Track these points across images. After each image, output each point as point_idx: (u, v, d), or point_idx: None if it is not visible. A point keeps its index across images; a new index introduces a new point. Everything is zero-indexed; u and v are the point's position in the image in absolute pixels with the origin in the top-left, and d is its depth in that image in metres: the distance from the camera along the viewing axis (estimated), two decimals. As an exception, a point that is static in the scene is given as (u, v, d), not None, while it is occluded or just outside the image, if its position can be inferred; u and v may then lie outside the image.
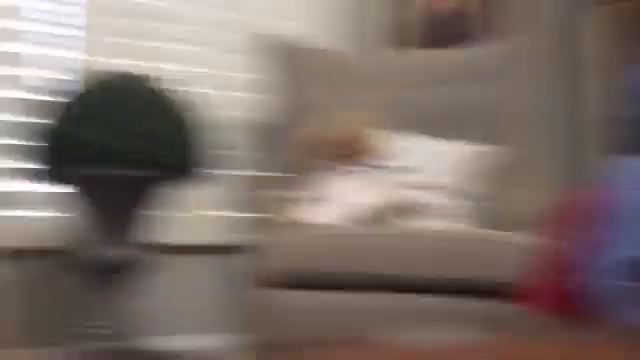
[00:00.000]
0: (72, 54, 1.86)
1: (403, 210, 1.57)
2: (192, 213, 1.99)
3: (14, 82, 1.80)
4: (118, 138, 1.38)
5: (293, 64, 1.94)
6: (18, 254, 1.74)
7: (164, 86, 1.53)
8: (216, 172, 1.93)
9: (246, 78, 2.08)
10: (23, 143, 1.48)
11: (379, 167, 1.68)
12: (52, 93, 1.49)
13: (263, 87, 1.98)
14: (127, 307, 1.53)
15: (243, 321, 1.44)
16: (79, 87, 1.48)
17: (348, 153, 1.66)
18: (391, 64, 2.01)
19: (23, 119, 1.71)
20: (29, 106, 1.57)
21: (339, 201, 1.61)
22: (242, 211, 1.71)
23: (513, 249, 1.31)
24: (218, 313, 2.00)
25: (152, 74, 1.56)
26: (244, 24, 2.11)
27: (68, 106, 1.42)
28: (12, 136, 1.72)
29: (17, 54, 1.81)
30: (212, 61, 2.06)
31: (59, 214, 1.81)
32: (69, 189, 1.51)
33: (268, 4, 2.15)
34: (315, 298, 1.44)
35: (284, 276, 1.45)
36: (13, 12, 1.81)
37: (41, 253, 1.80)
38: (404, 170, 1.67)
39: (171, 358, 1.80)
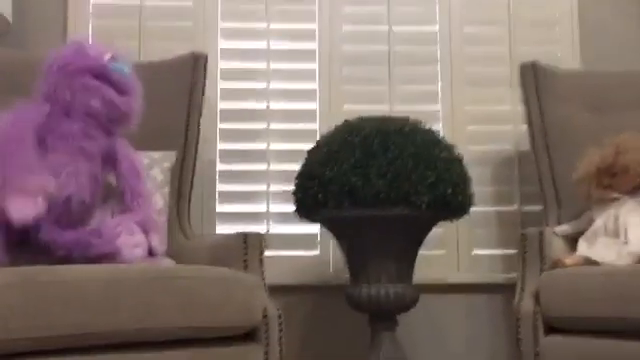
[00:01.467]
0: (311, 105, 2.02)
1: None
2: (461, 251, 1.99)
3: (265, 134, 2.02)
4: (381, 179, 1.44)
5: (551, 89, 1.83)
6: (290, 291, 1.91)
7: (418, 127, 1.56)
8: (481, 209, 1.92)
9: (500, 109, 2.03)
10: (290, 188, 1.63)
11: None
12: (317, 141, 1.62)
13: (521, 116, 1.91)
14: (396, 344, 1.57)
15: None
16: (331, 133, 1.59)
17: (633, 180, 1.50)
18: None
19: (283, 167, 1.91)
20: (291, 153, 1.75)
21: (622, 236, 1.46)
22: (513, 248, 1.65)
23: None
24: (492, 355, 1.96)
25: (403, 116, 1.61)
26: (487, 55, 2.07)
27: (328, 152, 1.53)
28: (281, 182, 1.92)
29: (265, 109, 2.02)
30: (461, 96, 2.06)
31: (327, 253, 1.96)
32: (338, 230, 1.62)
33: (510, 31, 2.07)
34: (591, 345, 1.31)
35: (558, 319, 1.35)
36: (260, 74, 2.04)
37: (311, 290, 1.96)
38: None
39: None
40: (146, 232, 1.35)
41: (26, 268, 1.13)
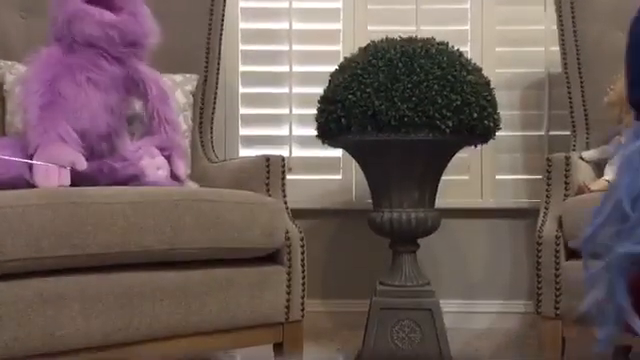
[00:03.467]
0: (335, 25, 1.96)
1: None
2: (485, 176, 1.97)
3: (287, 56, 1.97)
4: (406, 103, 1.41)
5: (587, 8, 1.74)
6: (313, 214, 1.93)
7: (444, 49, 1.51)
8: (507, 133, 1.88)
9: (532, 30, 1.95)
10: (313, 112, 1.61)
11: None
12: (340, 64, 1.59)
13: (553, 38, 1.83)
14: (417, 267, 1.60)
15: (539, 290, 1.39)
16: (355, 56, 1.54)
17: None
18: None
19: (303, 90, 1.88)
20: (311, 79, 1.72)
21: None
22: (538, 174, 1.63)
23: None
24: (512, 279, 1.98)
25: (430, 37, 1.55)
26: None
27: (352, 75, 1.49)
28: (304, 105, 1.90)
29: (288, 30, 1.97)
30: (491, 15, 1.97)
31: (350, 177, 1.96)
32: (361, 155, 1.61)
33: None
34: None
35: (578, 244, 1.35)
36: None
37: (333, 213, 1.98)
38: None
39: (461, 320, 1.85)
40: (170, 158, 1.36)
41: (57, 190, 1.16)
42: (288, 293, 1.32)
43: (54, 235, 1.06)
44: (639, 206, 0.59)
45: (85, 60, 1.31)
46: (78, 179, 1.23)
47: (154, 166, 1.33)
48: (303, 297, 1.35)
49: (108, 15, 1.32)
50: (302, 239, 1.36)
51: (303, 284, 1.35)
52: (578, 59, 1.74)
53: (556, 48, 1.81)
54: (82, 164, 1.23)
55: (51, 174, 1.19)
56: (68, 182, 1.20)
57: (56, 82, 1.28)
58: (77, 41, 1.31)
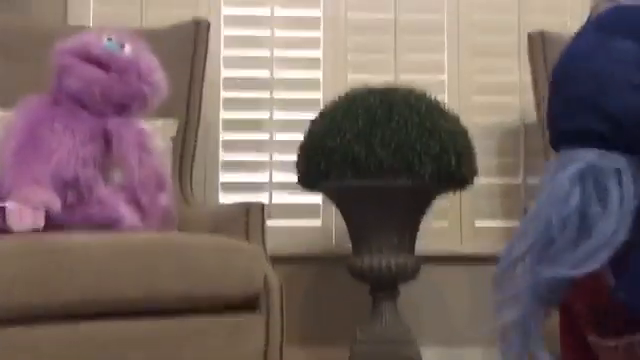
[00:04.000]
0: (314, 73, 1.99)
1: None
2: (464, 223, 1.98)
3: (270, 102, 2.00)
4: (385, 149, 1.43)
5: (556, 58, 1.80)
6: (293, 261, 1.91)
7: (423, 97, 1.54)
8: (485, 181, 1.90)
9: (507, 80, 2.00)
10: (293, 158, 1.62)
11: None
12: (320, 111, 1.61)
13: (528, 87, 1.88)
14: (397, 315, 1.58)
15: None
16: (335, 103, 1.57)
17: None
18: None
19: (285, 137, 1.91)
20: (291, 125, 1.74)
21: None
22: (516, 221, 1.65)
23: None
24: (490, 327, 1.96)
25: (408, 85, 1.59)
26: (494, 24, 2.03)
27: (331, 121, 1.51)
28: (285, 151, 1.91)
29: (270, 79, 2.00)
30: (467, 66, 2.02)
31: (330, 223, 1.96)
32: (340, 200, 1.61)
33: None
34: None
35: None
36: (263, 40, 2.01)
37: (313, 260, 1.96)
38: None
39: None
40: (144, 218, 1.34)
41: (31, 237, 1.13)
42: (266, 341, 1.29)
43: (27, 283, 1.03)
44: (566, 232, 0.61)
45: (67, 111, 1.32)
46: (50, 227, 1.21)
47: (131, 210, 1.31)
48: (282, 345, 1.32)
49: (96, 72, 1.33)
50: (281, 286, 1.34)
51: (282, 332, 1.32)
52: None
53: (530, 97, 1.86)
54: (56, 205, 1.21)
55: (25, 216, 1.17)
56: (42, 224, 1.18)
57: (35, 128, 1.28)
58: (64, 94, 1.33)
